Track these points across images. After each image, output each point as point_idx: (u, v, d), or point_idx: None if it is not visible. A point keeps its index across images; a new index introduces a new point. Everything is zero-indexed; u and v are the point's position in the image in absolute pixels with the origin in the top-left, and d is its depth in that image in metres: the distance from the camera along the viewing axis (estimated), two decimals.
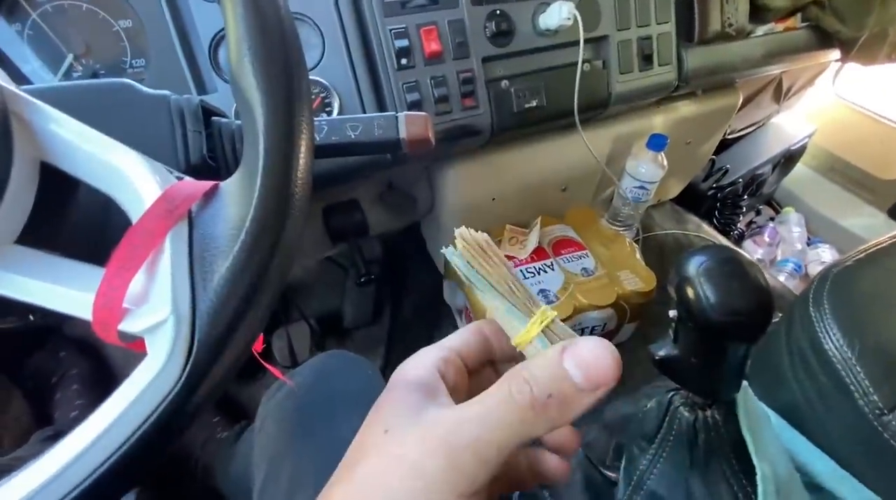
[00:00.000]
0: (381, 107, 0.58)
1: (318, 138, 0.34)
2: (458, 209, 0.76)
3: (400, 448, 0.18)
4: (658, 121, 0.85)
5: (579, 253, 0.75)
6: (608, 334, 0.73)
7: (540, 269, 0.71)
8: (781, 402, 0.49)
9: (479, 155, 0.72)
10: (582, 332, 0.70)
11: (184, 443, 0.86)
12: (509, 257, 0.71)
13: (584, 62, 0.66)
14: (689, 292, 0.33)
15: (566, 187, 0.84)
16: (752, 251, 1.29)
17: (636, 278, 0.71)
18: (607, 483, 0.52)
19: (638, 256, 0.75)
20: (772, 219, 1.41)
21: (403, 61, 0.56)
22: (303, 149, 0.23)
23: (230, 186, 0.24)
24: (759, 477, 0.37)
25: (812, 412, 0.45)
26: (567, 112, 0.67)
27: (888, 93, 1.22)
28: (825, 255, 1.27)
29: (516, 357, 0.23)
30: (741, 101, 0.93)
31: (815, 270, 1.26)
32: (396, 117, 0.35)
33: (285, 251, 0.23)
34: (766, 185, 1.31)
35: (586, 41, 0.64)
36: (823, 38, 0.84)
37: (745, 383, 0.38)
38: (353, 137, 0.34)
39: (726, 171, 1.14)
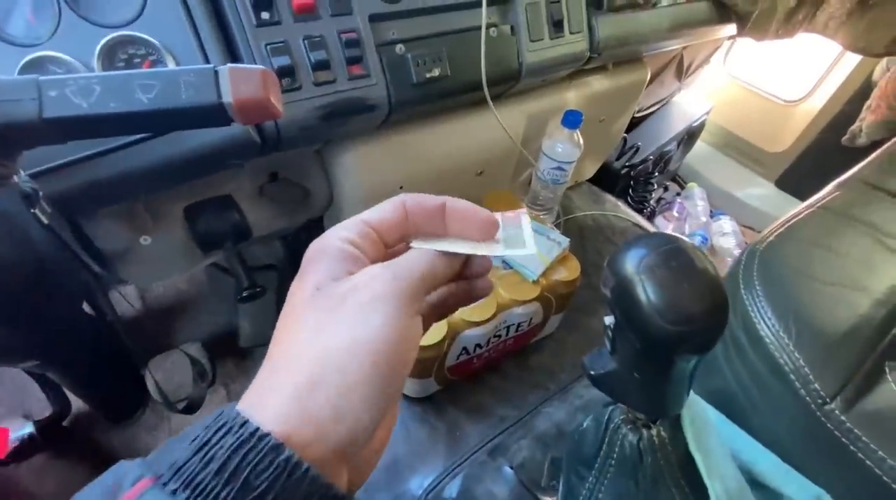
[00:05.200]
0: None
1: (82, 105, 0.22)
2: (359, 201, 0.65)
3: (348, 288, 0.19)
4: (571, 97, 0.80)
5: None
6: (535, 329, 0.68)
7: None
8: (716, 392, 0.46)
9: (378, 136, 0.61)
10: (507, 330, 0.63)
11: None
12: None
13: (489, 26, 0.57)
14: (630, 295, 0.26)
15: (482, 171, 0.76)
16: (663, 227, 1.33)
17: (561, 267, 0.65)
18: None
19: None
20: (678, 194, 1.47)
21: (264, 15, 0.44)
22: None
23: None
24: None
25: (750, 404, 0.42)
26: (475, 84, 0.58)
27: (772, 71, 1.30)
28: (726, 226, 1.34)
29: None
30: (649, 76, 0.91)
31: (718, 241, 1.33)
32: (216, 71, 0.23)
33: None
34: (672, 162, 1.35)
35: (490, 1, 0.55)
36: (722, 12, 0.84)
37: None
38: (145, 102, 0.22)
39: (638, 148, 1.14)
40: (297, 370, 0.17)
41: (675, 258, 0.25)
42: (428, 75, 0.54)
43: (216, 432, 0.16)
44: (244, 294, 0.58)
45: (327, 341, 0.18)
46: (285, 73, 0.46)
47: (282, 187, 0.61)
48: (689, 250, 0.26)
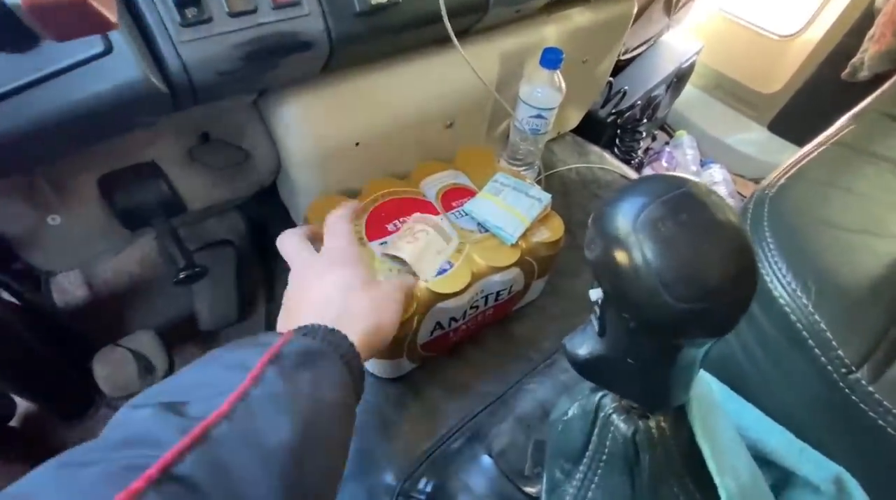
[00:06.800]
0: (132, 14, 0.36)
1: None
2: (309, 162, 0.56)
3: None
4: (550, 33, 0.71)
5: None
6: (515, 297, 0.62)
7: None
8: (719, 361, 0.40)
9: (324, 82, 0.52)
10: (485, 300, 0.57)
11: None
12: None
13: None
14: (623, 261, 0.19)
15: (452, 123, 0.68)
16: None
17: (542, 227, 0.58)
18: None
19: None
20: (667, 143, 1.39)
21: None
22: None
23: None
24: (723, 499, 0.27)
25: (760, 374, 0.36)
26: (433, 15, 0.49)
27: (766, 3, 1.20)
28: (717, 175, 1.28)
29: None
30: (636, 9, 0.81)
31: None
32: None
33: None
34: (661, 107, 1.27)
35: None
36: None
37: None
38: None
39: (625, 93, 1.05)
40: (360, 307, 0.36)
41: (687, 208, 0.18)
42: (374, 2, 0.45)
43: (312, 327, 0.32)
44: (181, 276, 0.50)
45: (371, 292, 0.38)
46: (185, 3, 0.37)
47: (214, 150, 0.52)
48: (704, 195, 0.19)
